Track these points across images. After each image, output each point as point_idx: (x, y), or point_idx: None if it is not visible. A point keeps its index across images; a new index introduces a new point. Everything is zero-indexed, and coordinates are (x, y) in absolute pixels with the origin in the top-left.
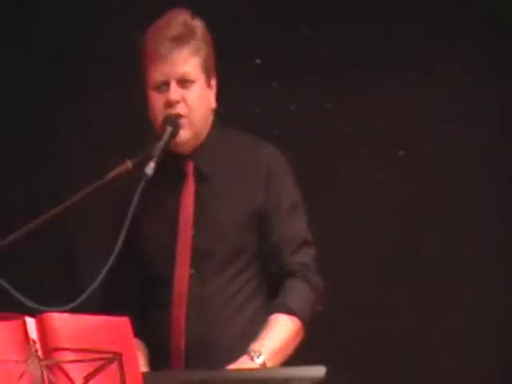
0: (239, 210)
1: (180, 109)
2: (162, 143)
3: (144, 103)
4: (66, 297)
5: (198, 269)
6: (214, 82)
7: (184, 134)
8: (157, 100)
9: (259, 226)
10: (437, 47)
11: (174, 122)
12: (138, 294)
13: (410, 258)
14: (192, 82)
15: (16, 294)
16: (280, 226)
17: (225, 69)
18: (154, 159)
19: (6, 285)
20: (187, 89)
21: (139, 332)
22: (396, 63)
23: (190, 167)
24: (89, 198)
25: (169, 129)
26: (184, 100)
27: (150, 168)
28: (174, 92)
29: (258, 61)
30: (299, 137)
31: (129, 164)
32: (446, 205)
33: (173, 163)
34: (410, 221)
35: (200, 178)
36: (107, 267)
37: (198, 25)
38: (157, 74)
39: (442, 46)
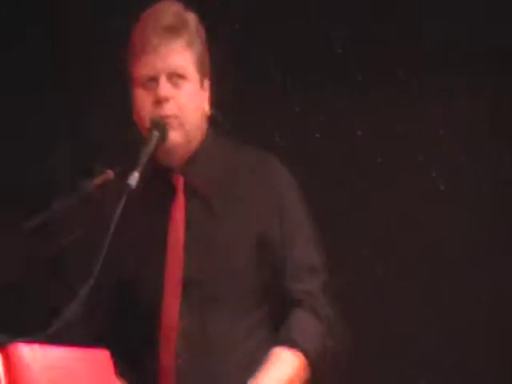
0: (237, 233)
1: (170, 109)
2: (147, 151)
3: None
4: (40, 325)
5: (190, 302)
6: (207, 84)
7: (174, 137)
8: (143, 98)
9: (261, 250)
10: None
11: (161, 126)
12: (123, 330)
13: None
14: (184, 78)
15: None
16: (284, 250)
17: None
18: (139, 168)
19: None
20: (178, 87)
21: (125, 372)
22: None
23: (180, 182)
24: (63, 213)
25: (155, 134)
26: (174, 99)
27: (133, 178)
28: (164, 88)
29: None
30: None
31: (110, 174)
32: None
33: (160, 177)
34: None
35: (191, 195)
36: (82, 294)
37: (192, 17)
38: (144, 68)
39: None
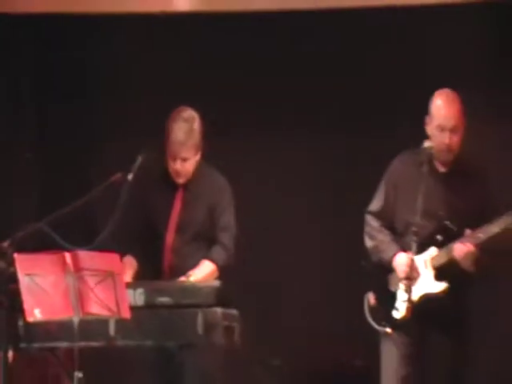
0: (203, 214)
1: (181, 169)
2: (136, 166)
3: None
4: (87, 241)
5: (178, 235)
6: (199, 150)
7: (179, 180)
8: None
9: (209, 215)
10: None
11: (143, 154)
12: (143, 239)
13: None
14: (187, 159)
15: (60, 240)
16: (219, 218)
17: None
18: (132, 173)
19: (53, 234)
20: (185, 162)
21: (141, 256)
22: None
23: (182, 186)
24: (96, 194)
25: (139, 158)
26: (184, 168)
27: (129, 177)
28: (178, 164)
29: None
30: None
31: (119, 175)
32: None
33: (171, 181)
34: None
35: (186, 187)
36: (113, 222)
37: (198, 123)
38: (172, 150)
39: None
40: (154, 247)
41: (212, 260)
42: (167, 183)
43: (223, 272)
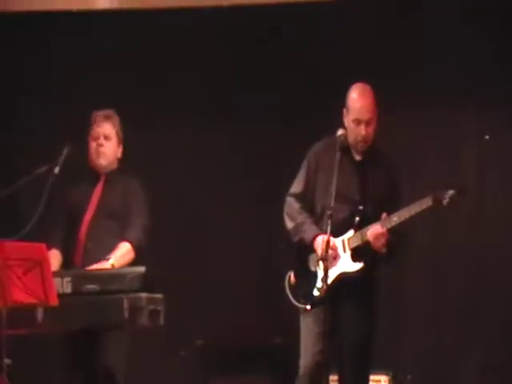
0: (119, 201)
1: (103, 151)
2: (61, 159)
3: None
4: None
5: (93, 223)
6: (121, 144)
7: (101, 162)
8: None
9: (124, 207)
10: None
11: (69, 147)
12: (65, 229)
13: None
14: (109, 138)
15: None
16: (133, 202)
17: None
18: (58, 166)
19: None
20: (107, 143)
21: (62, 245)
22: None
23: (103, 175)
24: (22, 186)
25: (66, 150)
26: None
27: (56, 170)
28: (102, 144)
29: None
30: None
31: (45, 168)
32: None
33: (94, 173)
34: None
35: (106, 181)
36: (38, 213)
37: (116, 119)
38: (96, 132)
39: None
40: (72, 236)
41: (127, 240)
42: (90, 175)
43: (138, 251)
